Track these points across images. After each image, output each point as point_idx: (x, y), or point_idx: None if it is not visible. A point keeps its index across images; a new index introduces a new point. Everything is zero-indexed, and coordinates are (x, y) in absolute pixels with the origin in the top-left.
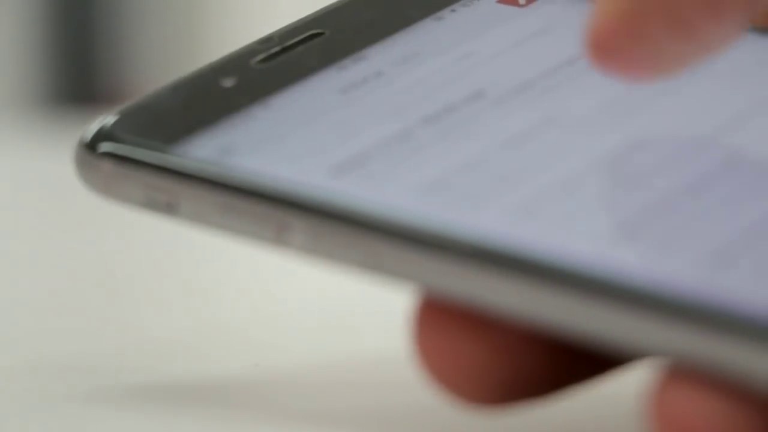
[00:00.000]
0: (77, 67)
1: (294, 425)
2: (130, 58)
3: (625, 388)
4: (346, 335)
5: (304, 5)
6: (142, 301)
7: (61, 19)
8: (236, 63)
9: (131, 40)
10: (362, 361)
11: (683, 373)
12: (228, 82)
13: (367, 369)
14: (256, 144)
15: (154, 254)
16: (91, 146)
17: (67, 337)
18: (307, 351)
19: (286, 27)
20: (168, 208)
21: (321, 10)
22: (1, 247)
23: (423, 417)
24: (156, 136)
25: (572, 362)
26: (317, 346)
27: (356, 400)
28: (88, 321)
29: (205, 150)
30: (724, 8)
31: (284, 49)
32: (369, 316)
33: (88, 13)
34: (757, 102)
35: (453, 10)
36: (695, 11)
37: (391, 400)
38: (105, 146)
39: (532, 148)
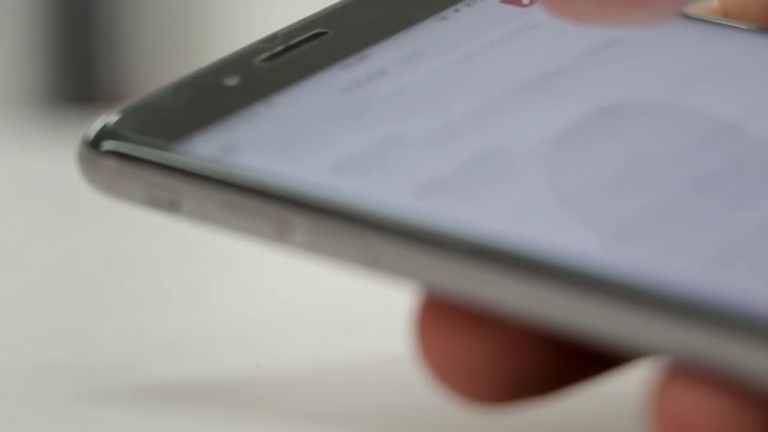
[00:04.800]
0: (77, 67)
1: (295, 425)
2: (130, 58)
3: (626, 387)
4: (347, 335)
5: (305, 6)
6: (143, 301)
7: (61, 20)
8: (240, 61)
9: (131, 40)
10: (363, 360)
11: (684, 372)
12: (231, 81)
13: (369, 368)
14: (259, 142)
15: (155, 254)
16: (94, 144)
17: (68, 338)
18: (308, 351)
19: (289, 26)
20: (170, 206)
21: (325, 9)
22: (0, 247)
23: (425, 416)
24: (159, 134)
25: (574, 361)
26: (318, 346)
27: (357, 399)
28: (88, 321)
29: (207, 148)
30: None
31: (288, 48)
32: (370, 315)
33: (88, 13)
34: (760, 101)
35: (456, 10)
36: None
37: (392, 400)
38: (108, 144)
39: (533, 147)
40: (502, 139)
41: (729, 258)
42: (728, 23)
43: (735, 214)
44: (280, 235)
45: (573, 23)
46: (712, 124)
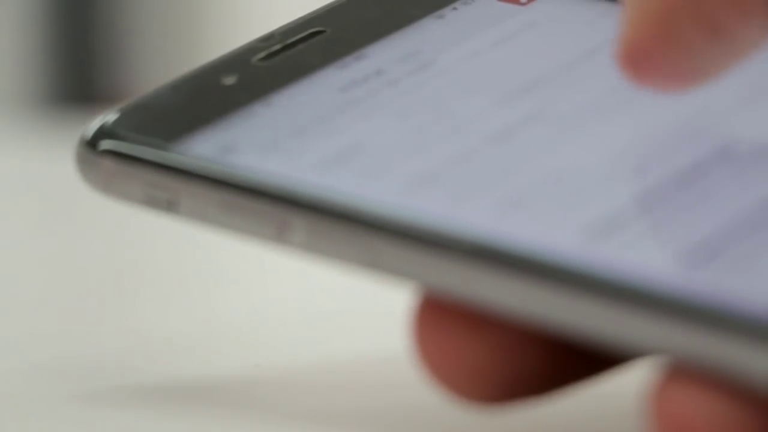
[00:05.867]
0: (77, 67)
1: (294, 425)
2: (129, 58)
3: (625, 387)
4: (347, 335)
5: (303, 5)
6: (143, 301)
7: (61, 20)
8: (237, 61)
9: (131, 40)
10: (363, 360)
11: (684, 372)
12: (229, 80)
13: (368, 368)
14: (257, 142)
15: (154, 255)
16: (92, 144)
17: (68, 338)
18: (308, 351)
19: (287, 25)
20: (168, 206)
21: (322, 8)
22: (0, 246)
23: (424, 416)
24: (157, 133)
25: (572, 360)
26: (317, 346)
27: (357, 400)
28: (88, 321)
29: (205, 148)
30: (750, 7)
31: (285, 47)
32: (369, 316)
33: (88, 13)
34: (754, 91)
35: (454, 8)
36: (723, 12)
37: (391, 400)
38: (106, 144)
39: (535, 144)
40: (499, 137)
41: (729, 258)
42: None
43: (737, 214)
44: (280, 236)
45: (670, 92)
46: (703, 114)
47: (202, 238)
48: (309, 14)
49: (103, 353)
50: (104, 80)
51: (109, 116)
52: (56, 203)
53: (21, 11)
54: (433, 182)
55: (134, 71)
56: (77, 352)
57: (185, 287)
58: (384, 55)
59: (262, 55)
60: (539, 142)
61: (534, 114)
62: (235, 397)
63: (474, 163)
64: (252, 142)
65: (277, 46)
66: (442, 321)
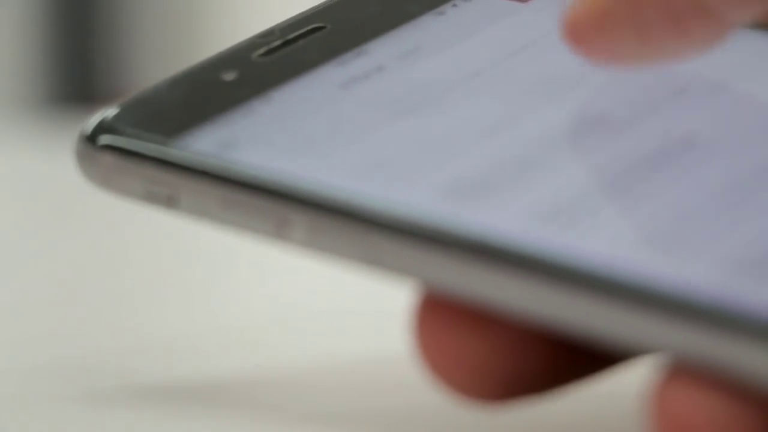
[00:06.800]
0: (77, 67)
1: (294, 426)
2: (130, 58)
3: (625, 387)
4: (347, 335)
5: (303, 3)
6: (143, 301)
7: (61, 20)
8: (237, 56)
9: (131, 40)
10: (363, 360)
11: (684, 372)
12: (229, 76)
13: (369, 368)
14: (257, 138)
15: (154, 255)
16: (91, 139)
17: (68, 338)
18: (308, 351)
19: (287, 20)
20: (168, 202)
21: (322, 3)
22: None
23: (424, 416)
24: (157, 129)
25: (574, 359)
26: (318, 346)
27: (357, 399)
28: (87, 321)
29: (205, 143)
30: (686, 23)
31: (285, 43)
32: (370, 315)
33: (88, 13)
34: (756, 102)
35: (454, 5)
36: (658, 24)
37: (392, 400)
38: (105, 139)
39: (544, 145)
40: (504, 136)
41: (729, 258)
42: None
43: (737, 214)
44: (279, 232)
45: (615, 67)
46: (701, 119)
47: (202, 238)
48: (309, 10)
49: (103, 353)
50: (104, 80)
51: (109, 111)
52: (56, 203)
53: (21, 11)
54: (438, 182)
55: (134, 71)
56: (77, 352)
57: (185, 287)
58: (384, 51)
59: (262, 51)
60: (558, 146)
61: (541, 113)
62: (235, 397)
63: (487, 164)
64: (252, 138)
65: (278, 42)
66: (443, 319)
